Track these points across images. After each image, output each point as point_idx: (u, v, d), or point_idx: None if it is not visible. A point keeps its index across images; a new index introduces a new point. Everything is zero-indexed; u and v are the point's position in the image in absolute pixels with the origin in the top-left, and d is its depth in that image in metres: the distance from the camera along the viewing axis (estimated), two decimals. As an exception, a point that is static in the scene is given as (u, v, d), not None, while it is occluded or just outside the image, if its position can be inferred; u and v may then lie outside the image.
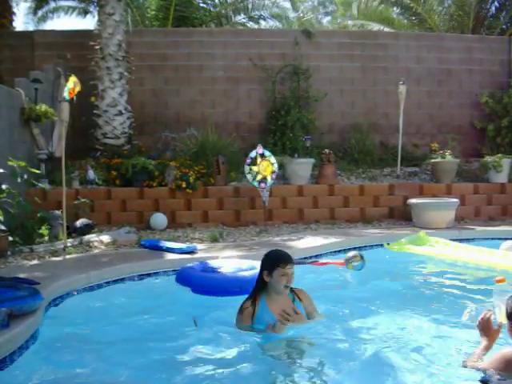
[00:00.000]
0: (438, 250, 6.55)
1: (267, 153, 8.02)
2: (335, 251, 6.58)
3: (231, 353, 3.32)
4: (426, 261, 6.41)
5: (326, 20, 19.19)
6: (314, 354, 3.26)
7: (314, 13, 17.96)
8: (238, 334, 3.54)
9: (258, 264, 5.03)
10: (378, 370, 3.06)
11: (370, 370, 3.08)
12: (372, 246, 7.05)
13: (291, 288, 3.63)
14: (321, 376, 2.98)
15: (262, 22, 14.19)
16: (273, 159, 8.00)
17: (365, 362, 3.17)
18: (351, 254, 5.46)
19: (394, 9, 14.92)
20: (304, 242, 6.76)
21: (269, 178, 7.90)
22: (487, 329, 2.78)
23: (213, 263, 5.13)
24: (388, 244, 6.87)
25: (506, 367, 2.52)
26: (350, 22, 16.05)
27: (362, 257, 5.36)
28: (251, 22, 14.13)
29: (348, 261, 5.37)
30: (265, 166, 7.89)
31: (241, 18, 14.02)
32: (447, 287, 5.10)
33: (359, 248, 6.87)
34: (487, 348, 2.77)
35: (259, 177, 7.86)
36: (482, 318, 2.80)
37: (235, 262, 5.19)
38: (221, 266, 5.00)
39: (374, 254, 6.74)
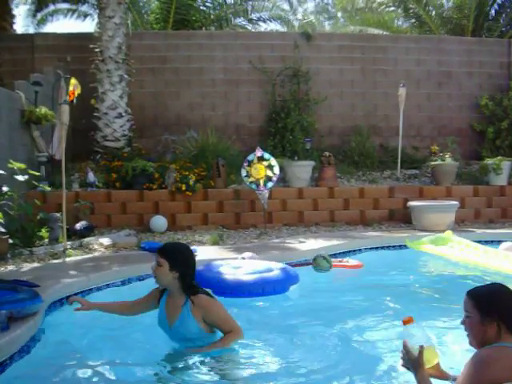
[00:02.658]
0: (457, 253, 6.41)
1: (267, 155, 8.01)
2: (338, 253, 6.53)
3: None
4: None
5: (327, 23, 19.19)
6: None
7: (317, 15, 17.95)
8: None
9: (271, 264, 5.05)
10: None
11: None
12: (371, 248, 7.05)
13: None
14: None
15: (262, 25, 14.20)
16: (273, 162, 7.97)
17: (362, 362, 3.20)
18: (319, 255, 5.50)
19: (393, 9, 14.89)
20: (305, 245, 6.72)
21: (261, 182, 7.84)
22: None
23: (232, 264, 5.10)
24: (410, 242, 6.89)
25: (488, 369, 2.07)
26: (351, 28, 16.06)
27: (315, 259, 5.39)
28: (251, 25, 14.13)
29: (315, 261, 5.41)
30: (258, 169, 7.85)
31: (240, 20, 14.02)
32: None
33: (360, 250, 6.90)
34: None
35: (251, 179, 7.83)
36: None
37: (252, 263, 5.17)
38: (239, 266, 4.99)
39: (374, 255, 6.76)
